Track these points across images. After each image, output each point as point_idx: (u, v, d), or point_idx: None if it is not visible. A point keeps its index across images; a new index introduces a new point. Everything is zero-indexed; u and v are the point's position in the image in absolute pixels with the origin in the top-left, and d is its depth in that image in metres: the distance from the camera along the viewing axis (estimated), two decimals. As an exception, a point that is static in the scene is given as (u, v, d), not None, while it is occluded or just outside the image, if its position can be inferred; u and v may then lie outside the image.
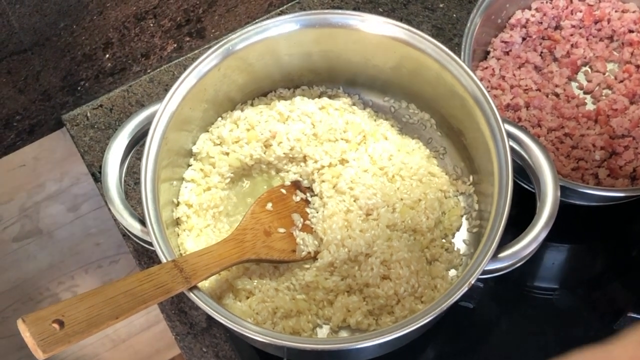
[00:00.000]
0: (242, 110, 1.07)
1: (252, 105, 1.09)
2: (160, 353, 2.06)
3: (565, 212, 0.90)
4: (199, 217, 1.02)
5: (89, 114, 1.21)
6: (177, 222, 1.01)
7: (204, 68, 0.98)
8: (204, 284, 0.95)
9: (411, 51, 1.00)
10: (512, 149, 0.93)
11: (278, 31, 1.00)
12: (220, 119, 1.06)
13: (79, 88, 1.20)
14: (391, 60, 1.03)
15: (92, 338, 1.86)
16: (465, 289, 0.85)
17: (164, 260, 0.87)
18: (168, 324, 1.07)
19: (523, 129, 0.95)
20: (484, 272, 0.87)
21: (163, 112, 0.95)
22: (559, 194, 0.90)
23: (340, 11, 1.02)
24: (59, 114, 1.21)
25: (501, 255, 0.88)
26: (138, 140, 0.96)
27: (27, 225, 1.45)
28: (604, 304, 1.10)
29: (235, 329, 0.85)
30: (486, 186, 0.98)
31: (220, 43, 0.99)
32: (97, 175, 1.17)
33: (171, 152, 0.98)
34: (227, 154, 1.04)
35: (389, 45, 1.01)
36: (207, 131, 1.06)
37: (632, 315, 1.04)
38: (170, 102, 0.96)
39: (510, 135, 0.93)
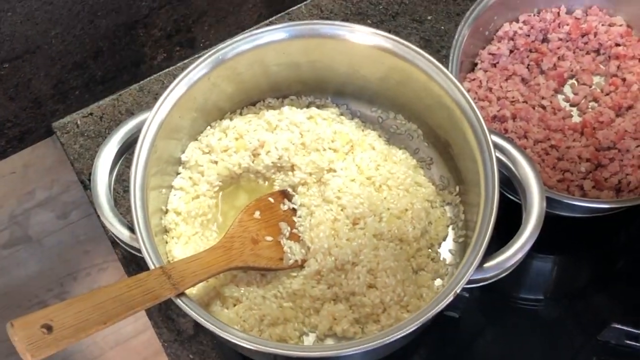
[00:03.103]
0: (230, 119, 1.08)
1: (240, 114, 1.09)
2: (148, 361, 2.06)
3: (551, 223, 0.90)
4: (187, 225, 1.02)
5: (79, 122, 1.21)
6: (165, 230, 1.02)
7: (193, 77, 0.99)
8: (192, 291, 0.95)
9: (399, 62, 1.00)
10: (499, 160, 0.93)
11: (267, 41, 1.01)
12: (209, 127, 1.07)
13: (69, 96, 1.20)
14: (379, 71, 1.04)
15: (80, 345, 1.86)
16: (450, 298, 0.86)
17: (152, 267, 0.88)
18: (155, 331, 1.08)
19: (510, 140, 0.96)
20: (470, 282, 0.87)
21: (152, 120, 0.96)
22: (544, 205, 0.91)
23: (329, 22, 1.02)
24: (50, 122, 1.22)
25: (487, 265, 0.89)
26: (127, 148, 0.97)
27: (16, 232, 1.46)
28: (588, 314, 1.10)
29: (222, 335, 0.85)
30: (472, 196, 0.99)
31: (211, 52, 0.99)
32: (86, 182, 1.17)
33: (160, 160, 0.99)
34: (216, 162, 1.04)
35: (377, 56, 1.02)
36: (196, 140, 1.06)
37: (616, 326, 1.05)
38: (160, 110, 0.96)
39: (496, 146, 0.94)
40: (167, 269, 0.87)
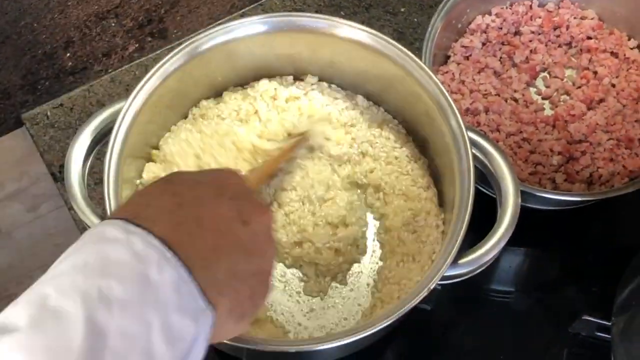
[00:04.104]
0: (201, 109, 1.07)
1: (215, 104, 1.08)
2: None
3: (523, 216, 0.90)
4: None
5: (49, 113, 1.20)
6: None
7: (169, 68, 0.97)
8: None
9: (377, 56, 1.00)
10: (474, 156, 0.93)
11: (244, 33, 1.00)
12: (182, 120, 1.06)
13: (39, 87, 1.19)
14: (358, 65, 1.03)
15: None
16: (424, 293, 0.85)
17: None
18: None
19: (484, 136, 0.95)
20: (444, 278, 0.87)
21: (127, 110, 0.94)
22: (519, 201, 0.91)
23: (307, 14, 1.02)
24: (19, 113, 1.20)
25: (461, 261, 0.88)
26: (101, 139, 0.95)
27: (-15, 224, 1.44)
28: (559, 306, 1.11)
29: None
30: (447, 191, 0.99)
31: (186, 43, 0.98)
32: (56, 175, 1.16)
33: (134, 150, 0.98)
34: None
35: (356, 50, 1.01)
36: (169, 130, 1.06)
37: (587, 317, 1.06)
38: (135, 101, 0.95)
39: (471, 142, 0.94)
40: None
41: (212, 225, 0.63)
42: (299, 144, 1.02)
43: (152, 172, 1.02)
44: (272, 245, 0.71)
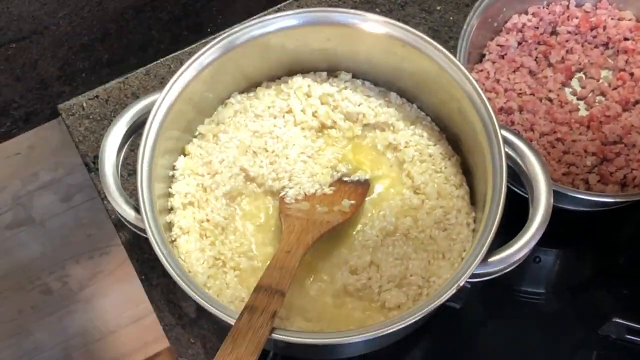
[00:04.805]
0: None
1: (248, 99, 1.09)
2: (149, 345, 2.07)
3: (555, 216, 0.90)
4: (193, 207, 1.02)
5: (84, 104, 1.21)
6: (170, 211, 1.01)
7: (204, 61, 0.98)
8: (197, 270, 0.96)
9: (411, 52, 0.99)
10: (507, 154, 0.93)
11: (278, 27, 1.00)
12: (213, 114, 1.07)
13: (75, 78, 1.20)
14: (393, 61, 1.03)
15: (81, 328, 1.86)
16: (453, 291, 0.85)
17: (156, 248, 0.88)
18: (157, 314, 1.08)
19: (518, 135, 0.95)
20: (474, 276, 0.87)
21: (162, 102, 0.95)
22: (552, 200, 0.90)
23: (342, 10, 1.02)
24: (55, 103, 1.22)
25: (491, 259, 0.88)
26: (136, 129, 0.97)
27: (20, 213, 1.46)
28: (589, 308, 1.10)
29: (223, 318, 0.85)
30: (479, 189, 0.99)
31: (221, 37, 0.99)
32: (90, 165, 1.17)
33: (168, 142, 0.99)
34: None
35: (390, 46, 1.01)
36: (202, 123, 1.06)
37: (618, 320, 1.05)
38: (170, 93, 0.96)
39: (505, 140, 0.93)
40: (264, 285, 0.88)
41: None
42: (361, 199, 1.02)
43: (185, 164, 1.03)
44: None
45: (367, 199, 1.04)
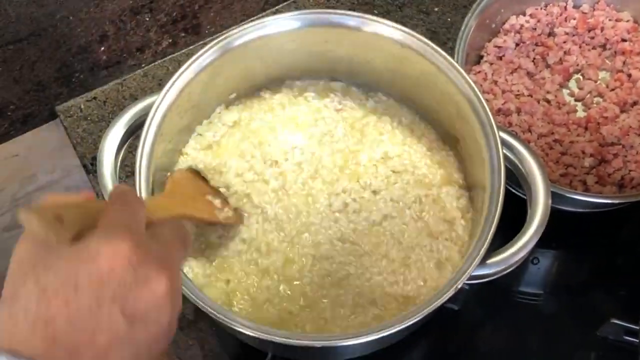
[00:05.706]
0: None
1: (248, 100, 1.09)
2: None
3: (553, 217, 0.90)
4: None
5: (82, 106, 1.21)
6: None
7: (202, 62, 0.98)
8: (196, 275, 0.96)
9: (409, 54, 0.99)
10: (505, 156, 0.93)
11: (277, 29, 1.00)
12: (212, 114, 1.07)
13: (73, 80, 1.20)
14: (390, 62, 1.03)
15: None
16: (451, 292, 0.85)
17: None
18: (155, 316, 1.08)
19: (516, 136, 0.95)
20: (472, 278, 0.87)
21: (160, 103, 0.95)
22: (550, 202, 0.90)
23: (340, 11, 1.02)
24: (53, 105, 1.22)
25: (490, 261, 0.88)
26: (134, 131, 0.96)
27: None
28: (587, 309, 1.10)
29: (221, 320, 0.85)
30: (477, 191, 0.99)
31: (220, 38, 0.99)
32: (88, 167, 1.17)
33: (166, 144, 0.99)
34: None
35: (388, 48, 1.00)
36: (201, 124, 1.06)
37: (616, 321, 1.05)
38: (168, 94, 0.96)
39: (503, 142, 0.93)
40: None
41: (91, 352, 0.56)
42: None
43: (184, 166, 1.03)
44: (168, 309, 0.63)
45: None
